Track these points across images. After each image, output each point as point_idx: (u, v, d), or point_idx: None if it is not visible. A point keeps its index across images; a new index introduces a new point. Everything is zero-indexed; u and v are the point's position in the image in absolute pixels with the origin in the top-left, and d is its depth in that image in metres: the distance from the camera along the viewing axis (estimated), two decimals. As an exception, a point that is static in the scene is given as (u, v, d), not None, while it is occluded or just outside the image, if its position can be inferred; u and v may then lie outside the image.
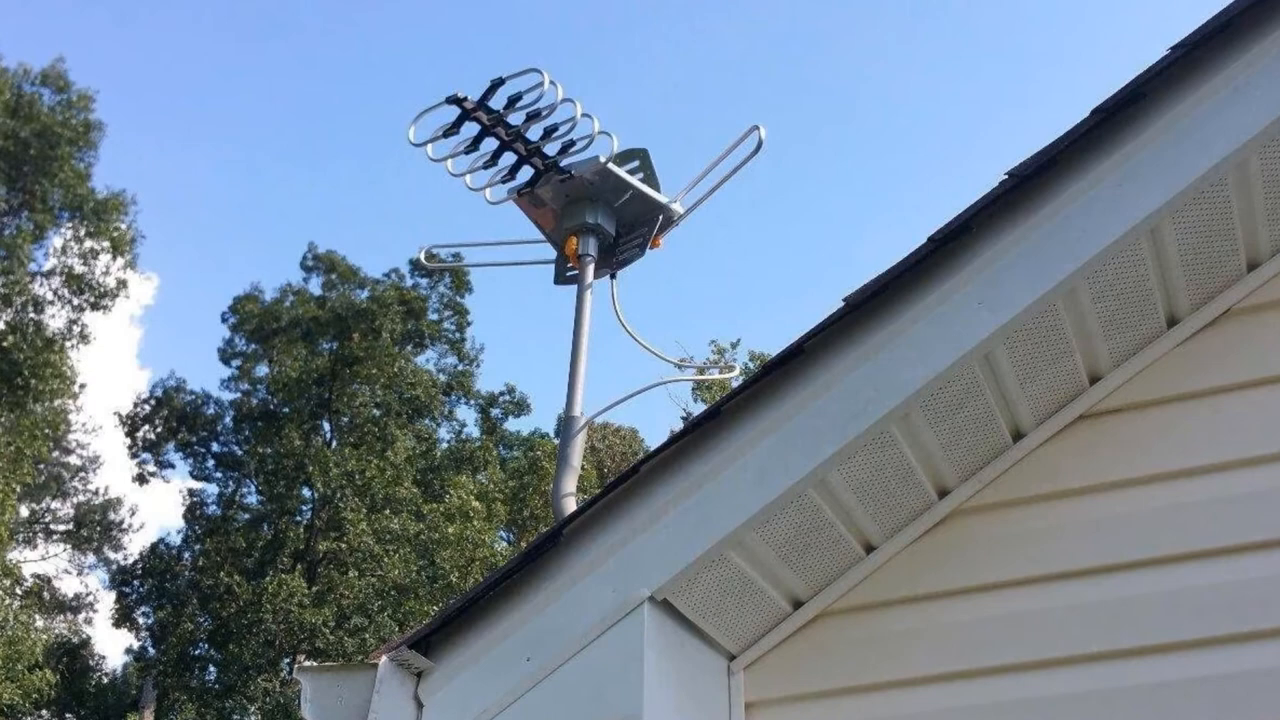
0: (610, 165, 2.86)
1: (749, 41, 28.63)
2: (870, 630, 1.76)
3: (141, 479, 19.44)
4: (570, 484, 2.63)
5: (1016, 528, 1.77)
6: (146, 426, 19.44)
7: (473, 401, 19.90)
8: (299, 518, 17.99)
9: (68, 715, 17.98)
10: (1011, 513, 1.78)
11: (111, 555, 20.02)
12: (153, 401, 19.52)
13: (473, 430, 19.70)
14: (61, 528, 19.68)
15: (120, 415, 19.39)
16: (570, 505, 2.59)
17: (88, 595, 20.17)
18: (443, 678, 1.65)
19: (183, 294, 29.43)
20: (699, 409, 11.29)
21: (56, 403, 16.99)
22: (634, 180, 2.91)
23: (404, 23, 27.96)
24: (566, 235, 2.92)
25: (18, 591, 16.97)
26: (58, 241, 16.95)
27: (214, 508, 18.72)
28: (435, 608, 14.15)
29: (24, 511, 18.02)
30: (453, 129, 2.92)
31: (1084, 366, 1.78)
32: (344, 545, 15.94)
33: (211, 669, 17.02)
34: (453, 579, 14.81)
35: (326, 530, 17.05)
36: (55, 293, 16.81)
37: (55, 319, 16.74)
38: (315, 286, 19.00)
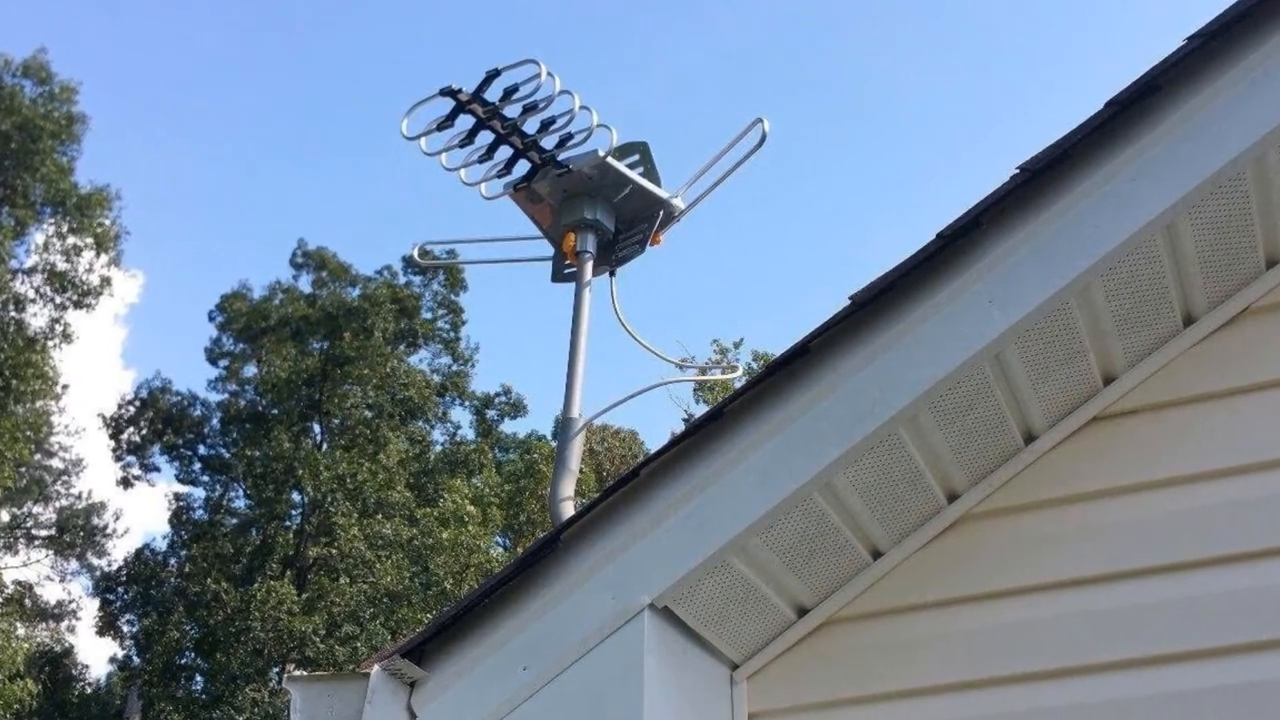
0: (609, 159, 2.81)
1: (752, 34, 28.49)
2: (877, 638, 1.74)
3: (126, 483, 19.26)
4: (568, 488, 2.58)
5: (1028, 533, 1.74)
6: (131, 429, 19.26)
7: (468, 403, 19.76)
8: (288, 522, 17.84)
9: (49, 725, 17.76)
10: (1023, 517, 1.75)
11: (95, 561, 19.80)
12: (137, 403, 19.34)
13: (468, 432, 19.58)
14: (43, 533, 19.45)
15: (104, 417, 19.23)
16: (568, 510, 2.55)
17: (70, 602, 19.94)
18: (437, 687, 1.61)
19: (169, 292, 29.06)
20: (701, 410, 11.29)
21: (38, 404, 16.81)
22: (634, 175, 2.86)
23: (398, 14, 27.75)
24: (564, 231, 2.87)
25: (-1, 598, 16.77)
26: (39, 238, 16.80)
27: (201, 512, 18.56)
28: (429, 615, 14.07)
29: (5, 516, 17.84)
30: (447, 122, 2.87)
31: (1098, 367, 1.75)
32: (335, 551, 15.82)
33: (198, 678, 16.86)
34: (447, 586, 14.72)
35: (317, 535, 16.92)
36: (37, 290, 16.63)
37: (37, 318, 16.58)
38: (305, 284, 18.87)
